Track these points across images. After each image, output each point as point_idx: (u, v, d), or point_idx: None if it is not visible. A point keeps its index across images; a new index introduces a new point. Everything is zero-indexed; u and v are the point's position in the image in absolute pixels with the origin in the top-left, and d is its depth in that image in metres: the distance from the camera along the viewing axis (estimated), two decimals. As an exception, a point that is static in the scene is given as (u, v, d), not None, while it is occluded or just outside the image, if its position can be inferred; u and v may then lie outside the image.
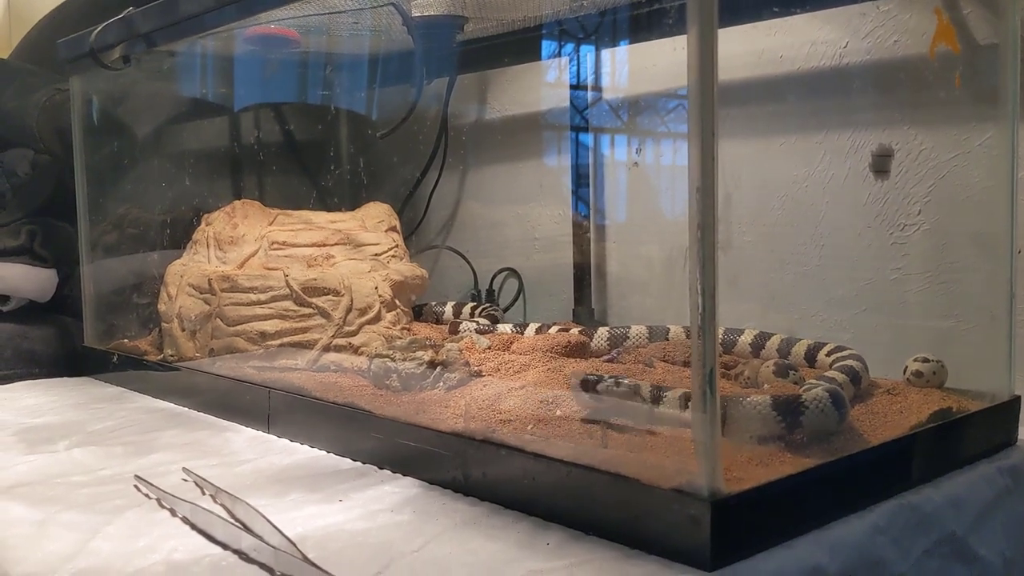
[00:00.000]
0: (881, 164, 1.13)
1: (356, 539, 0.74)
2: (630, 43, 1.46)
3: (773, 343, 1.16)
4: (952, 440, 0.90)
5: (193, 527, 0.78)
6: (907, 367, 1.02)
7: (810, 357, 1.11)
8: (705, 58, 0.65)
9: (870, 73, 1.18)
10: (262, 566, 0.69)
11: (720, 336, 1.18)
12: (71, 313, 1.60)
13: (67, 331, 1.58)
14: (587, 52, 1.50)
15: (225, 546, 0.74)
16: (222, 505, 0.83)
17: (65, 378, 1.52)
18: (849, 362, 1.00)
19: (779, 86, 1.28)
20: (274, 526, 0.73)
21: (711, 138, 0.65)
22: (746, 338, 1.19)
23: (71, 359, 1.55)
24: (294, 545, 0.70)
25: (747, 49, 1.29)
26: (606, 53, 1.50)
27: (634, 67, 1.46)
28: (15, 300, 1.55)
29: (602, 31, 1.44)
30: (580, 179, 1.54)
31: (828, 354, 1.08)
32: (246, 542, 0.72)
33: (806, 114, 1.26)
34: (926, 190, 1.14)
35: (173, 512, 0.82)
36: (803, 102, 1.26)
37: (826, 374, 0.97)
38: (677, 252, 1.36)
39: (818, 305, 1.25)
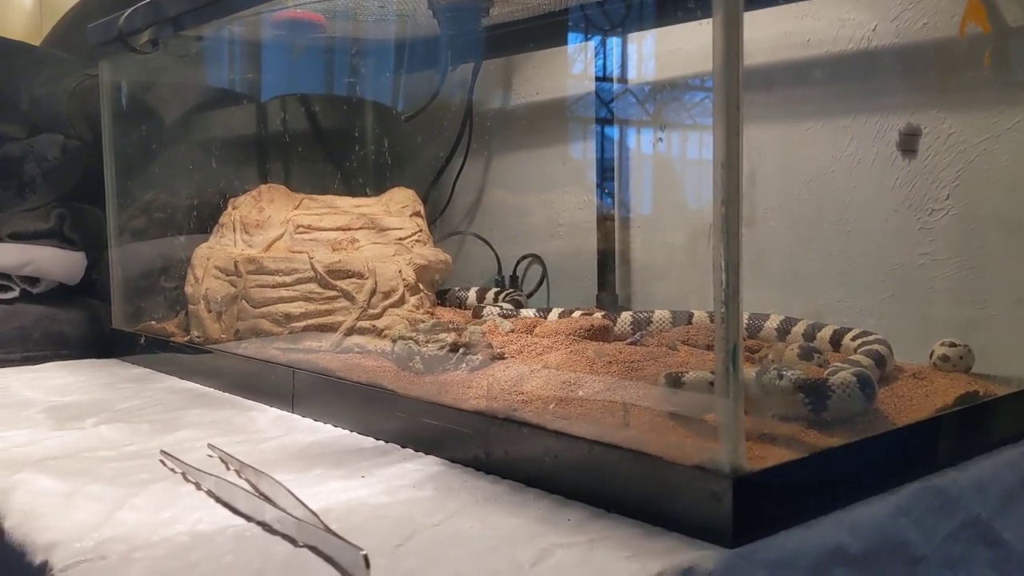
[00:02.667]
0: (908, 143, 1.11)
1: (378, 513, 0.75)
2: (656, 26, 1.45)
3: (799, 328, 1.16)
4: (978, 424, 0.89)
5: (217, 500, 0.79)
6: (933, 351, 1.01)
7: (835, 342, 1.10)
8: (731, 28, 0.65)
9: (898, 56, 1.17)
10: (285, 537, 0.70)
11: (746, 321, 1.19)
12: (99, 296, 1.62)
13: (95, 313, 1.60)
14: (612, 35, 1.49)
15: (249, 518, 0.75)
16: (246, 479, 0.84)
17: (93, 359, 1.54)
18: (874, 346, 0.99)
19: (806, 70, 1.27)
20: (298, 499, 0.74)
21: (736, 112, 0.65)
22: (772, 323, 1.18)
23: (99, 341, 1.57)
24: (317, 517, 0.70)
25: (773, 33, 1.28)
26: (631, 35, 1.49)
27: (660, 50, 1.45)
28: (45, 283, 1.57)
29: (627, 15, 1.43)
30: (605, 166, 1.53)
31: (854, 339, 1.08)
32: (270, 514, 0.73)
33: (833, 98, 1.25)
34: (954, 174, 1.13)
35: (198, 486, 0.83)
36: (830, 86, 1.25)
37: (851, 357, 0.96)
38: (702, 239, 1.35)
39: (844, 290, 1.24)
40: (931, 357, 1.01)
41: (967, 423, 0.88)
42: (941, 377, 0.97)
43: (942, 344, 1.00)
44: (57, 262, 1.58)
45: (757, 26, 1.28)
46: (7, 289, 1.54)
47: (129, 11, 1.40)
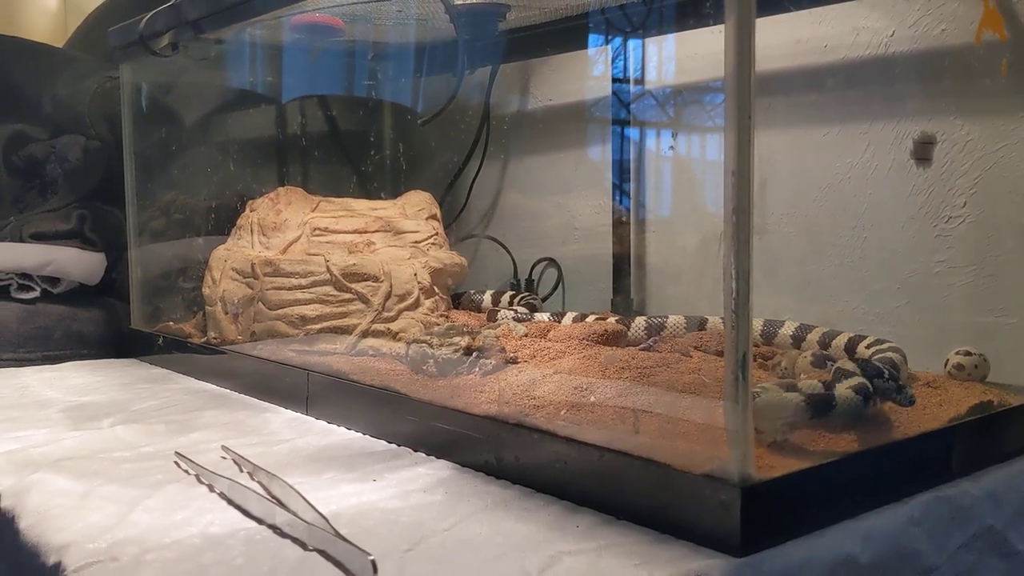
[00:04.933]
0: (923, 151, 1.11)
1: (388, 517, 0.75)
2: (674, 32, 1.45)
3: (814, 335, 1.15)
4: (992, 434, 0.89)
5: (230, 502, 0.80)
6: (948, 360, 1.00)
7: (850, 349, 1.10)
8: (742, 35, 0.65)
9: (916, 62, 1.16)
10: (295, 540, 0.71)
11: (760, 327, 1.18)
12: (119, 296, 1.63)
13: (115, 313, 1.61)
14: (630, 40, 1.49)
15: (260, 521, 0.75)
16: (259, 482, 0.84)
17: (112, 359, 1.56)
18: (888, 354, 0.99)
19: (823, 76, 1.26)
20: (308, 503, 0.74)
21: (747, 121, 0.65)
22: (786, 330, 1.18)
23: (118, 341, 1.59)
24: (327, 521, 0.71)
25: (790, 39, 1.28)
26: (649, 42, 1.49)
27: (676, 56, 1.45)
28: (65, 283, 1.59)
29: (644, 19, 1.43)
30: (621, 170, 1.53)
31: (868, 347, 1.07)
32: (280, 517, 0.74)
33: (850, 104, 1.24)
34: (972, 182, 1.12)
35: (211, 488, 0.84)
36: (847, 92, 1.24)
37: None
38: (714, 244, 1.35)
39: (859, 298, 1.23)
40: (946, 366, 1.00)
41: (981, 433, 0.87)
42: (955, 386, 0.96)
43: (957, 353, 1.00)
44: (78, 262, 1.60)
45: (773, 32, 1.27)
46: (28, 289, 1.56)
47: (150, 15, 1.42)
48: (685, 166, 1.47)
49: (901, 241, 1.19)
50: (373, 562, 0.63)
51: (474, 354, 1.08)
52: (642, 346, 1.16)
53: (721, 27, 0.66)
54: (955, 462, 0.83)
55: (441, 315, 1.34)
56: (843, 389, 0.82)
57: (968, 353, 0.99)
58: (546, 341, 1.15)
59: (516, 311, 1.39)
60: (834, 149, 1.25)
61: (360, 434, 1.02)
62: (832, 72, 1.25)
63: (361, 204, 1.51)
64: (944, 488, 0.80)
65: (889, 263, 1.20)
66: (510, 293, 1.55)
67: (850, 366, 0.87)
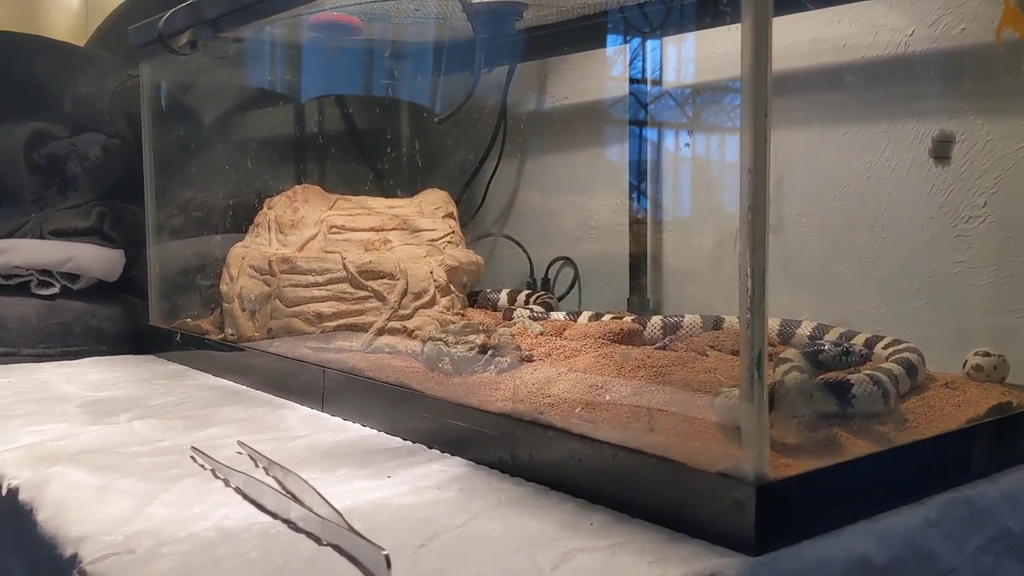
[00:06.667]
0: (941, 150, 1.10)
1: (402, 513, 0.76)
2: (692, 31, 1.45)
3: (832, 336, 1.15)
4: (1011, 435, 0.88)
5: (245, 497, 0.80)
6: (967, 361, 0.99)
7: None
8: (759, 33, 0.65)
9: (936, 61, 1.16)
10: (309, 535, 0.71)
11: (777, 327, 1.18)
12: (137, 293, 1.64)
13: (133, 310, 1.62)
14: (647, 39, 1.49)
15: (275, 515, 0.75)
16: (274, 477, 0.85)
17: (130, 355, 1.57)
18: (906, 354, 0.98)
19: (841, 75, 1.26)
20: (323, 498, 0.75)
21: (763, 118, 0.65)
22: (804, 330, 1.17)
23: (136, 337, 1.60)
24: (341, 516, 0.71)
25: (808, 37, 1.27)
26: (667, 41, 1.48)
27: (694, 55, 1.45)
28: (85, 279, 1.60)
29: (662, 18, 1.43)
30: (639, 169, 1.53)
31: (886, 347, 1.07)
32: (295, 512, 0.74)
33: (869, 103, 1.23)
34: (992, 181, 1.11)
35: (227, 482, 0.84)
36: (866, 91, 1.24)
37: (881, 366, 0.95)
38: (729, 243, 1.35)
39: (878, 297, 1.22)
40: (964, 367, 0.99)
41: (999, 434, 0.86)
42: (974, 387, 0.95)
43: (976, 354, 0.99)
44: (97, 259, 1.61)
45: (791, 31, 1.27)
46: (48, 285, 1.57)
47: (169, 13, 1.43)
48: (703, 166, 1.47)
49: (920, 241, 1.18)
50: (387, 557, 0.63)
51: (489, 352, 1.08)
52: (658, 345, 1.16)
53: (739, 25, 0.66)
54: (973, 463, 0.83)
55: (457, 313, 1.34)
56: (785, 376, 0.84)
57: (987, 354, 0.98)
58: (562, 339, 1.15)
59: (532, 310, 1.39)
60: (853, 148, 1.24)
61: (375, 431, 1.03)
62: (851, 71, 1.24)
63: (378, 202, 1.52)
64: (962, 489, 0.80)
65: (908, 263, 1.19)
66: (526, 292, 1.55)
67: (790, 353, 0.89)
